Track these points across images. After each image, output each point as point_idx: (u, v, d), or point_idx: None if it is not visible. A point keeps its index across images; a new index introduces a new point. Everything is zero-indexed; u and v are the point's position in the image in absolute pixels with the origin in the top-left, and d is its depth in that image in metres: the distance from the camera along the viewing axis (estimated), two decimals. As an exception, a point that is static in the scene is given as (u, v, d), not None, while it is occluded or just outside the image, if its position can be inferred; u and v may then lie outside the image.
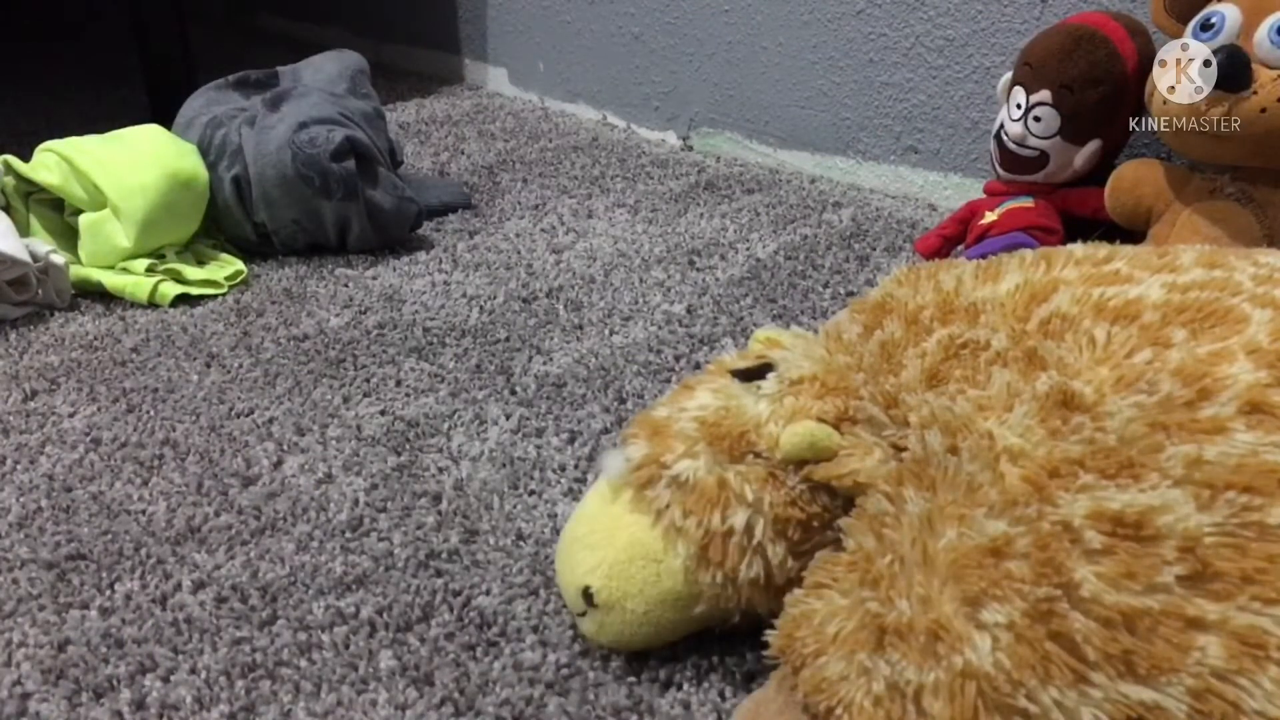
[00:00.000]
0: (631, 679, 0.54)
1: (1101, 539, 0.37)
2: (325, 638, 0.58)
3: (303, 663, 0.56)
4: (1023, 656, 0.37)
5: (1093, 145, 0.94)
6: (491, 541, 0.66)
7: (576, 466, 0.73)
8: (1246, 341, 0.41)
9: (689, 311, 0.95)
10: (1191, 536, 0.36)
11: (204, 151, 1.09)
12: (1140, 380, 0.41)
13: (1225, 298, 0.44)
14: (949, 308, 0.50)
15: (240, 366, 0.89)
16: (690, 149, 1.48)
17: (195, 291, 1.03)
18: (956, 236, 1.01)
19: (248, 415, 0.81)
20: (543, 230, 1.17)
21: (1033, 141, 0.95)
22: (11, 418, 0.81)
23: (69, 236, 1.06)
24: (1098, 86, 0.91)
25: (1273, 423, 0.38)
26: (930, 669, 0.38)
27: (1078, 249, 0.52)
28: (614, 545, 0.52)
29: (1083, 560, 0.37)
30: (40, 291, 0.99)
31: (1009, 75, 0.99)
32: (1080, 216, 0.96)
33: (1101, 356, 0.43)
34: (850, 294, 0.97)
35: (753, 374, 0.56)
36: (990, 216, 0.96)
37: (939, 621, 0.39)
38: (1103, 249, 0.52)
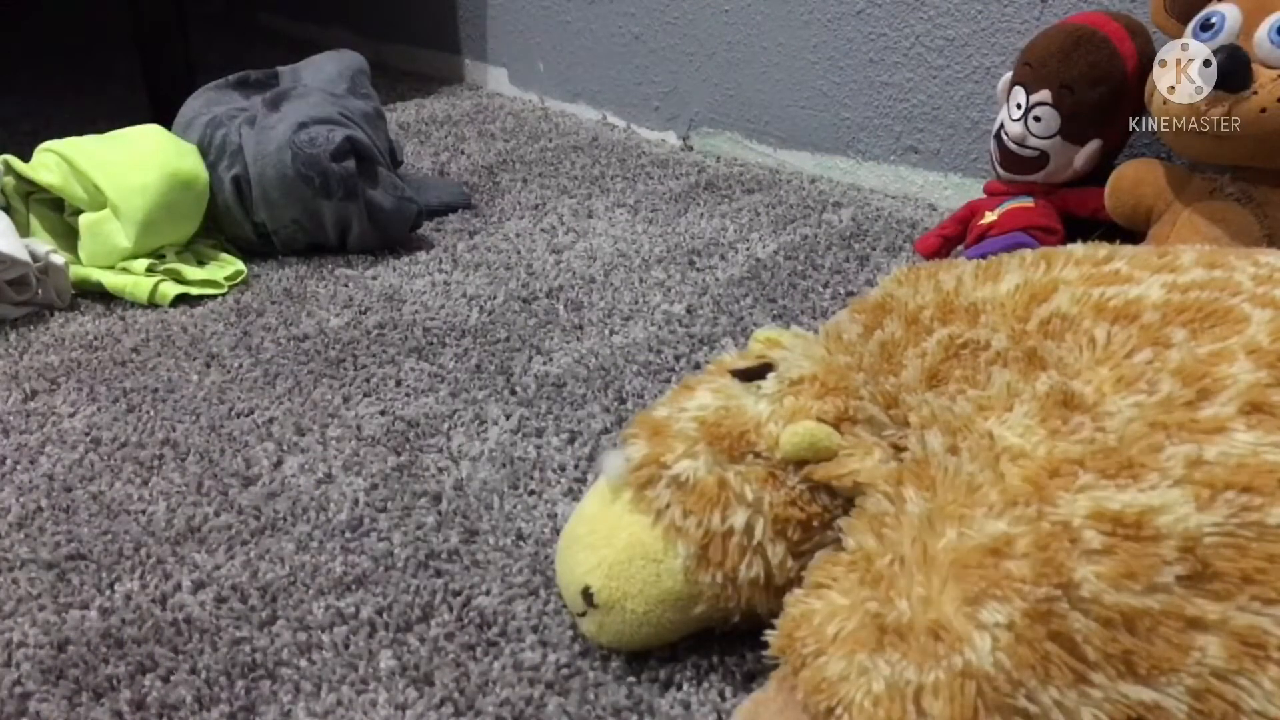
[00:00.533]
0: (631, 679, 0.54)
1: (1101, 539, 0.37)
2: (325, 638, 0.58)
3: (303, 663, 0.56)
4: (1023, 656, 0.36)
5: (1093, 145, 0.94)
6: (491, 541, 0.65)
7: (576, 466, 0.73)
8: (1247, 341, 0.41)
9: (689, 311, 0.95)
10: (1191, 536, 0.36)
11: (204, 151, 1.09)
12: (1140, 380, 0.41)
13: (1225, 298, 0.44)
14: (949, 308, 0.50)
15: (240, 366, 0.89)
16: (690, 149, 1.48)
17: (195, 291, 1.03)
18: (956, 236, 1.01)
19: (248, 415, 0.81)
20: (543, 230, 1.17)
21: (1033, 141, 0.95)
22: (11, 418, 0.81)
23: (69, 236, 1.06)
24: (1097, 86, 0.91)
25: (1273, 422, 0.38)
26: (930, 669, 0.38)
27: (1078, 249, 0.52)
28: (614, 545, 0.52)
29: (1083, 560, 0.37)
30: (40, 291, 0.99)
31: (1009, 75, 0.99)
32: (1080, 216, 0.96)
33: (1102, 356, 0.43)
34: (850, 294, 0.97)
35: (753, 374, 0.56)
36: (990, 216, 0.96)
37: (939, 621, 0.39)
38: (1103, 249, 0.52)
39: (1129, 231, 0.90)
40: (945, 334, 0.49)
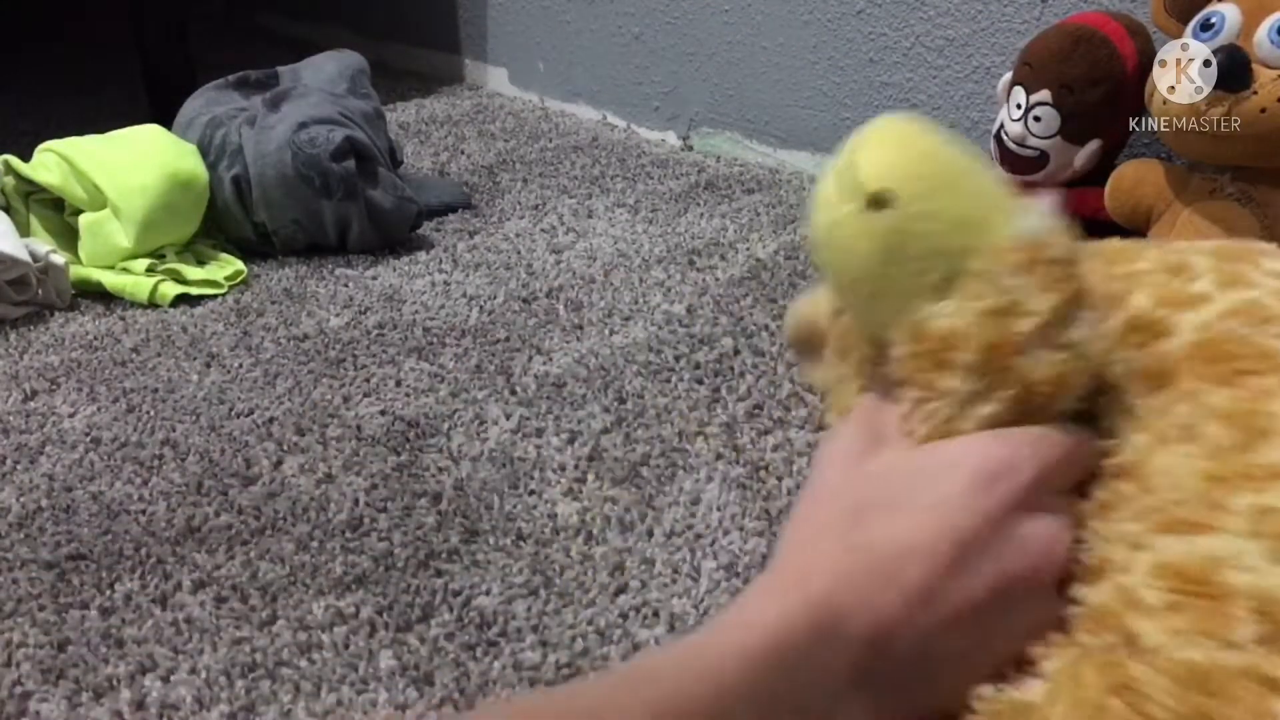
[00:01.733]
0: (631, 679, 0.54)
1: (1162, 596, 0.35)
2: (325, 638, 0.58)
3: (303, 663, 0.56)
4: (1085, 714, 0.34)
5: (1093, 145, 0.94)
6: (491, 541, 0.65)
7: (576, 466, 0.73)
8: None
9: (689, 311, 0.95)
10: (1271, 599, 0.33)
11: (204, 151, 1.09)
12: (1182, 435, 0.39)
13: (1254, 334, 0.41)
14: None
15: (240, 366, 0.89)
16: (690, 149, 1.48)
17: (195, 291, 1.03)
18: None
19: (248, 415, 0.81)
20: (543, 230, 1.17)
21: (1033, 141, 0.95)
22: (11, 418, 0.81)
23: (69, 236, 1.06)
24: (1098, 86, 0.91)
25: None
26: None
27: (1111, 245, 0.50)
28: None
29: (1144, 615, 0.35)
30: (40, 291, 0.99)
31: (1009, 75, 0.98)
32: (1080, 216, 0.96)
33: (1138, 426, 0.41)
34: (850, 294, 0.97)
35: None
36: (990, 216, 0.96)
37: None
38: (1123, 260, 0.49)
39: (1129, 231, 0.90)
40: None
